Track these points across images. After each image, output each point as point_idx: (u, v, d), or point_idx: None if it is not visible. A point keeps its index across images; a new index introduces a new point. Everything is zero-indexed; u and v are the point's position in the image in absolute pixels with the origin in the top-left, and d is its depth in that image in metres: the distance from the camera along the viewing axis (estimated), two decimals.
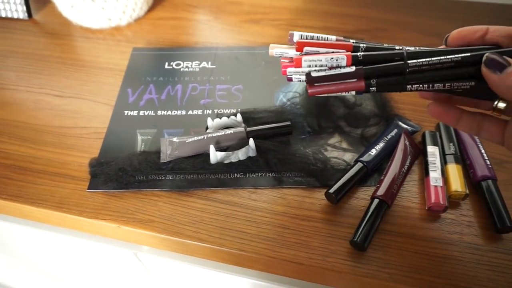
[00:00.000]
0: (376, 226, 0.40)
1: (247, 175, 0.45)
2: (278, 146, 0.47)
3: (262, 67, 0.59)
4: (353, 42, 0.33)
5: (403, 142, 0.46)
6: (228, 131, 0.47)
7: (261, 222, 0.42)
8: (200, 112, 0.53)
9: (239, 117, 0.50)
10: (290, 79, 0.33)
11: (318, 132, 0.49)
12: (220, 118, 0.50)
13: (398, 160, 0.44)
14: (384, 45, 0.33)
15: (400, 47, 0.32)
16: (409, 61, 0.31)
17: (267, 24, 0.68)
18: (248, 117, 0.51)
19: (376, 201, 0.41)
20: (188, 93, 0.55)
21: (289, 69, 0.33)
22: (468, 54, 0.30)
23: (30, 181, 0.46)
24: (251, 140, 0.46)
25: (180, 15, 0.70)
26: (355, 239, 0.39)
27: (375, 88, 0.32)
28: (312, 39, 0.34)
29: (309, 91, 0.32)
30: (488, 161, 0.44)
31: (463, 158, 0.46)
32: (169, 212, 0.43)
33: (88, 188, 0.45)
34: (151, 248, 0.51)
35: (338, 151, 0.48)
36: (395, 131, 0.48)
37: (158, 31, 0.67)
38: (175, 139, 0.47)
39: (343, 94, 0.33)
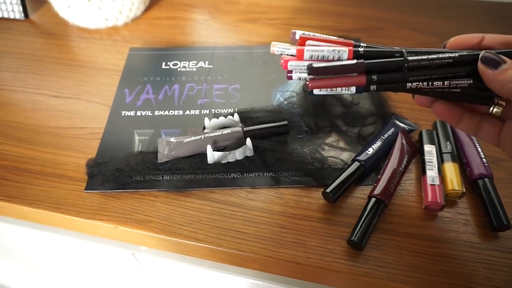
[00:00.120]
0: (373, 225, 0.40)
1: (245, 174, 0.45)
2: (275, 145, 0.47)
3: (260, 67, 0.59)
4: (353, 42, 0.34)
5: (400, 141, 0.46)
6: (225, 131, 0.47)
7: (259, 222, 0.42)
8: (197, 112, 0.53)
9: (236, 117, 0.50)
10: (290, 77, 0.33)
11: (315, 132, 0.49)
12: (217, 118, 0.50)
13: (395, 159, 0.44)
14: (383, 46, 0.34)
15: (399, 48, 0.33)
16: (409, 57, 0.31)
17: (264, 23, 0.68)
18: (246, 117, 0.51)
19: (373, 200, 0.41)
20: (185, 93, 0.55)
21: (290, 62, 0.33)
22: (465, 53, 0.31)
23: (27, 182, 0.46)
24: (248, 140, 0.46)
25: (177, 15, 0.70)
26: (352, 238, 0.39)
27: (375, 86, 0.32)
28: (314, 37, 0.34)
29: (309, 84, 0.32)
30: (484, 160, 0.44)
31: (459, 157, 0.46)
32: (166, 212, 0.43)
33: (86, 189, 0.45)
34: (149, 248, 0.51)
35: (335, 150, 0.48)
36: (392, 130, 0.48)
37: (155, 31, 0.67)
38: (172, 139, 0.47)
39: (343, 91, 0.32)
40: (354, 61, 0.32)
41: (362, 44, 0.33)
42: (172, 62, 0.60)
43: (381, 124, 0.50)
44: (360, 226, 0.39)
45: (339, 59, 0.32)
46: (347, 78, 0.32)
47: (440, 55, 0.31)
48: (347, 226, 0.41)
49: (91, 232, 0.44)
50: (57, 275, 0.72)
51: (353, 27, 0.67)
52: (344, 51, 0.32)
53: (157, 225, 0.42)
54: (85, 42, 0.65)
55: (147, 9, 0.71)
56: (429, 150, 0.45)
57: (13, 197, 0.44)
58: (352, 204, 0.43)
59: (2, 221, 0.55)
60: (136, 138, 0.50)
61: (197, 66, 0.60)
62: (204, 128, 0.50)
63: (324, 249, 0.40)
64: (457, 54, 0.31)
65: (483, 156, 0.44)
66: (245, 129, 0.47)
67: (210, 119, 0.50)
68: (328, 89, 0.32)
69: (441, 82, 0.31)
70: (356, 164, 0.44)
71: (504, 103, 0.33)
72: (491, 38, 0.32)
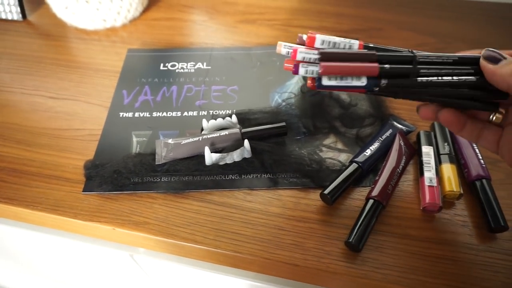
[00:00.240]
0: (371, 227, 0.40)
1: (242, 176, 0.45)
2: (273, 147, 0.47)
3: (258, 68, 0.59)
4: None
5: (398, 142, 0.46)
6: (223, 133, 0.47)
7: (256, 224, 0.42)
8: (195, 113, 0.53)
9: (234, 118, 0.50)
10: (296, 69, 0.31)
11: (313, 133, 0.49)
12: (215, 119, 0.50)
13: (393, 161, 0.45)
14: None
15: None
16: (417, 53, 0.32)
17: (263, 24, 0.68)
18: (244, 118, 0.51)
19: (371, 201, 0.41)
20: (184, 94, 0.55)
21: (300, 49, 0.32)
22: (469, 54, 0.33)
23: (24, 184, 0.46)
24: (246, 142, 0.46)
25: (175, 16, 0.70)
26: (350, 240, 0.39)
27: (386, 81, 0.31)
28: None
29: (322, 65, 0.30)
30: (482, 161, 0.44)
31: (457, 158, 0.46)
32: (164, 214, 0.43)
33: (83, 191, 0.45)
34: (147, 250, 0.51)
35: (333, 152, 0.48)
36: (390, 131, 0.48)
37: (153, 32, 0.67)
38: (170, 140, 0.47)
39: (354, 82, 0.31)
40: (366, 51, 0.32)
41: (370, 45, 0.33)
42: (170, 63, 0.60)
43: (379, 126, 0.50)
44: (358, 228, 0.39)
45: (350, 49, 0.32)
46: (359, 65, 0.31)
47: (446, 54, 0.33)
48: (345, 228, 0.41)
49: (88, 234, 0.44)
50: (55, 276, 0.72)
51: (352, 28, 0.67)
52: (355, 42, 0.32)
53: (155, 227, 0.42)
54: (83, 43, 0.65)
55: (145, 10, 0.71)
56: (427, 151, 0.45)
57: (10, 199, 0.44)
58: (350, 206, 0.43)
59: (0, 223, 0.55)
60: (134, 139, 0.50)
61: (195, 67, 0.59)
62: (202, 129, 0.50)
63: (322, 251, 0.40)
64: (461, 55, 0.33)
65: (480, 157, 0.44)
66: (243, 130, 0.47)
67: (208, 121, 0.50)
68: (338, 79, 0.31)
69: (450, 78, 0.32)
70: (354, 165, 0.44)
71: (504, 111, 0.34)
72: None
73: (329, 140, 0.49)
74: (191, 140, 0.47)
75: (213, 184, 0.45)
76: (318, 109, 0.51)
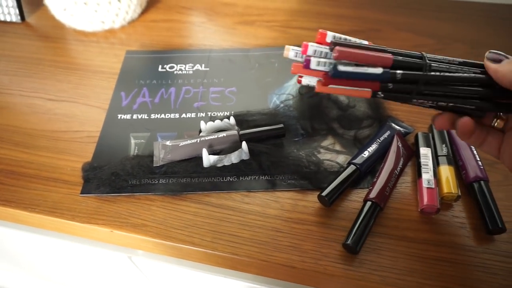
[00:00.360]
0: (369, 229, 0.40)
1: (240, 178, 0.45)
2: (271, 149, 0.47)
3: (256, 69, 0.59)
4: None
5: (395, 144, 0.46)
6: (221, 134, 0.47)
7: (254, 226, 0.42)
8: (193, 115, 0.53)
9: (232, 120, 0.50)
10: (308, 63, 0.31)
11: (311, 134, 0.49)
12: (213, 121, 0.50)
13: (391, 162, 0.44)
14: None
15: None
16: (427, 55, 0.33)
17: (261, 25, 0.68)
18: (242, 120, 0.51)
19: (368, 203, 0.41)
20: (182, 96, 0.55)
21: (311, 44, 0.31)
22: (472, 60, 0.34)
23: (22, 186, 0.46)
24: (244, 143, 0.46)
25: (174, 17, 0.70)
26: (348, 242, 0.39)
27: (401, 72, 0.31)
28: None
29: (337, 49, 0.30)
30: (480, 162, 0.44)
31: (455, 159, 0.46)
32: (162, 216, 0.43)
33: (81, 193, 0.45)
34: (146, 252, 0.51)
35: (331, 154, 0.48)
36: (388, 132, 0.48)
37: (152, 34, 0.67)
38: (168, 142, 0.47)
39: (370, 70, 0.30)
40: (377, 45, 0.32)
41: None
42: (169, 65, 0.60)
43: (377, 127, 0.50)
44: (356, 230, 0.39)
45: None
46: (374, 53, 0.31)
47: (451, 58, 0.34)
48: (343, 230, 0.41)
49: (86, 236, 0.44)
50: (55, 278, 0.72)
51: (350, 29, 0.67)
52: (365, 42, 0.33)
53: (153, 229, 0.42)
54: (82, 45, 0.65)
55: (144, 11, 0.71)
56: (425, 153, 0.45)
57: (8, 201, 0.44)
58: (347, 208, 0.43)
59: None
60: (132, 141, 0.50)
61: (194, 69, 0.59)
62: (200, 131, 0.50)
63: (319, 253, 0.40)
64: (466, 60, 0.34)
65: (478, 159, 0.44)
66: (241, 132, 0.47)
67: (206, 122, 0.50)
68: (354, 66, 0.30)
69: (461, 74, 0.33)
70: (352, 167, 0.44)
71: (505, 116, 0.34)
72: None
73: (327, 142, 0.49)
74: (189, 142, 0.47)
75: (210, 186, 0.45)
76: (316, 111, 0.51)
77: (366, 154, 0.45)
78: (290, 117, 0.51)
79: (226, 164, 0.46)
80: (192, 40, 0.65)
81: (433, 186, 0.42)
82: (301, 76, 0.33)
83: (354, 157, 0.45)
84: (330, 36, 0.32)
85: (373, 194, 0.42)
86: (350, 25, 0.68)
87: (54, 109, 0.55)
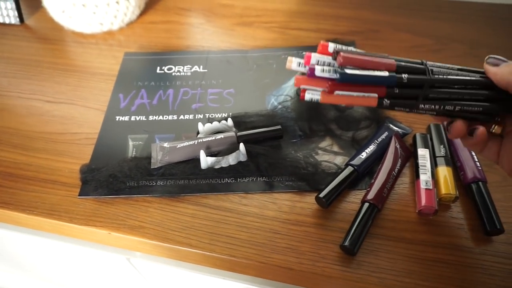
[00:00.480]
0: (366, 230, 0.40)
1: (238, 180, 0.45)
2: (268, 150, 0.47)
3: (254, 71, 0.59)
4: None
5: (393, 145, 0.46)
6: (219, 136, 0.47)
7: (252, 227, 0.42)
8: (191, 116, 0.53)
9: (230, 122, 0.50)
10: (312, 72, 0.31)
11: (309, 136, 0.49)
12: (211, 123, 0.50)
13: (389, 163, 0.44)
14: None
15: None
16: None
17: (260, 26, 0.68)
18: (239, 121, 0.51)
19: (366, 205, 0.41)
20: (180, 98, 0.55)
21: (314, 54, 0.31)
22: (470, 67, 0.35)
23: (20, 188, 0.46)
24: (241, 145, 0.46)
25: (172, 19, 0.70)
26: (345, 244, 0.39)
27: (406, 76, 0.31)
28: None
29: (341, 55, 0.30)
30: (478, 163, 0.44)
31: (453, 160, 0.46)
32: (159, 218, 0.43)
33: (79, 195, 0.45)
34: (144, 254, 0.51)
35: (329, 155, 0.48)
36: (386, 133, 0.48)
37: (150, 35, 0.67)
38: (165, 144, 0.47)
39: (375, 73, 0.31)
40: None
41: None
42: (167, 67, 0.60)
43: (375, 128, 0.50)
44: (353, 232, 0.39)
45: None
46: (377, 59, 0.31)
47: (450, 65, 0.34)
48: (340, 231, 0.41)
49: (84, 238, 0.44)
50: (54, 279, 0.73)
51: (349, 29, 0.67)
52: (361, 51, 0.33)
53: (150, 231, 0.42)
54: (80, 46, 0.65)
55: (142, 13, 0.71)
56: (423, 154, 0.45)
57: (6, 203, 0.44)
58: (345, 209, 0.43)
59: None
60: (130, 143, 0.50)
61: (192, 70, 0.59)
62: (198, 133, 0.50)
63: (317, 254, 0.39)
64: (464, 67, 0.35)
65: (476, 160, 0.44)
66: (239, 134, 0.47)
67: (203, 124, 0.50)
68: (360, 69, 0.31)
69: (464, 77, 0.33)
70: (350, 168, 0.44)
71: (503, 122, 0.35)
72: None
73: (325, 143, 0.49)
74: (186, 143, 0.47)
75: (208, 188, 0.45)
76: (314, 112, 0.51)
77: (364, 155, 0.45)
78: (288, 119, 0.51)
79: (223, 165, 0.46)
80: (190, 42, 0.65)
81: (431, 187, 0.42)
82: (303, 91, 0.33)
83: (352, 158, 0.45)
84: (331, 46, 0.32)
85: (370, 196, 0.41)
86: (349, 25, 0.68)
87: (52, 111, 0.55)
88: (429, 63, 0.33)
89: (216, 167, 0.46)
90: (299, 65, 0.33)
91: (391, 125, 0.49)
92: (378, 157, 0.46)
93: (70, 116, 0.54)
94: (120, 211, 0.43)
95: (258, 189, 0.45)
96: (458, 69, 0.34)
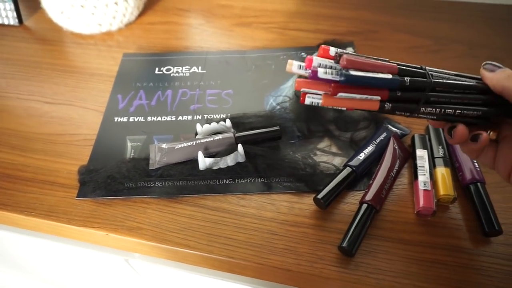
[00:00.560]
0: (365, 231, 0.40)
1: (236, 181, 0.45)
2: (267, 151, 0.47)
3: (253, 71, 0.59)
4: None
5: (392, 145, 0.46)
6: (217, 137, 0.47)
7: (250, 228, 0.42)
8: (190, 117, 0.53)
9: (228, 123, 0.50)
10: (315, 74, 0.30)
11: (308, 137, 0.49)
12: (210, 124, 0.50)
13: (387, 164, 0.44)
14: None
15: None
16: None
17: (258, 27, 0.68)
18: (238, 122, 0.50)
19: (364, 206, 0.41)
20: (178, 99, 0.55)
21: (315, 57, 0.31)
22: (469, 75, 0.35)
23: (19, 189, 0.46)
24: (239, 146, 0.46)
25: (171, 20, 0.70)
26: (343, 245, 0.38)
27: (408, 79, 0.32)
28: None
29: (345, 57, 0.30)
30: (476, 164, 0.44)
31: (452, 161, 0.45)
32: (157, 219, 0.43)
33: (77, 196, 0.45)
34: (142, 255, 0.51)
35: (327, 156, 0.48)
36: (384, 134, 0.48)
37: (149, 36, 0.67)
38: (164, 145, 0.47)
39: (379, 75, 0.31)
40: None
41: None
42: (166, 68, 0.60)
43: (374, 129, 0.50)
44: (351, 233, 0.39)
45: None
46: (380, 62, 0.31)
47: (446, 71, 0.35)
48: (338, 232, 0.41)
49: (82, 239, 0.44)
50: (52, 280, 0.72)
51: (348, 30, 0.67)
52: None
53: (148, 232, 0.42)
54: (79, 47, 0.65)
55: (141, 14, 0.71)
56: (421, 154, 0.45)
57: (4, 205, 0.44)
58: (343, 210, 0.43)
59: None
60: (129, 144, 0.50)
61: (190, 71, 0.59)
62: (196, 134, 0.49)
63: (315, 255, 0.39)
64: (460, 73, 0.35)
65: (475, 161, 0.44)
66: (237, 135, 0.47)
67: (202, 125, 0.50)
68: (364, 71, 0.30)
69: (463, 82, 0.34)
70: (348, 169, 0.44)
71: (497, 128, 0.35)
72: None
73: (323, 144, 0.49)
74: (184, 144, 0.47)
75: (206, 189, 0.45)
76: (312, 113, 0.51)
77: (362, 156, 0.45)
78: (287, 119, 0.51)
79: (222, 166, 0.46)
80: (189, 42, 0.65)
81: (429, 188, 0.42)
82: (303, 95, 0.33)
83: (350, 159, 0.45)
84: (333, 50, 0.32)
85: (369, 197, 0.41)
86: (348, 26, 0.68)
87: (51, 112, 0.55)
88: (428, 68, 0.34)
89: (214, 168, 0.46)
90: (300, 68, 0.32)
91: (389, 126, 0.49)
92: (376, 158, 0.46)
93: (68, 117, 0.54)
94: (118, 212, 0.43)
95: (256, 190, 0.45)
96: (455, 75, 0.34)
